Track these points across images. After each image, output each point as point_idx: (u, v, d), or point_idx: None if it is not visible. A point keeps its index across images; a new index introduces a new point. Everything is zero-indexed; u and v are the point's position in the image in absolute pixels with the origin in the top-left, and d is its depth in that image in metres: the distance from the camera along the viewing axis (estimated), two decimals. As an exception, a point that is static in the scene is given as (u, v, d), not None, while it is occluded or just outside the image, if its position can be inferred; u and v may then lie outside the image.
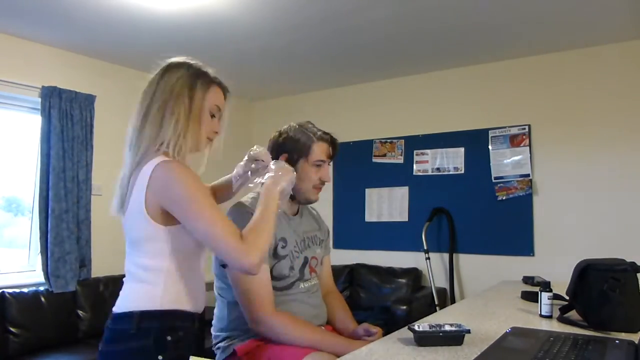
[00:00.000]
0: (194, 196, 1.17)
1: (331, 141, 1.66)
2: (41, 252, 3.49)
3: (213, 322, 1.64)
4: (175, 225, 1.22)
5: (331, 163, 1.69)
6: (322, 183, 1.65)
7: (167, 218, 1.21)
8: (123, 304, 1.25)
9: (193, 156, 1.34)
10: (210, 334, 1.65)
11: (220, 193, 1.59)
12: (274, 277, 1.54)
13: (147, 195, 1.20)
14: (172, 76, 1.33)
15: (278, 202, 1.32)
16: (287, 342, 1.45)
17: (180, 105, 1.28)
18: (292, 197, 1.63)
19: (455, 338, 1.20)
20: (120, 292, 1.28)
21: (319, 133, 1.63)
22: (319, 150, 1.62)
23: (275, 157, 1.58)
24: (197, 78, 1.32)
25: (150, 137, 1.26)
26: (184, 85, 1.30)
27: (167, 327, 1.22)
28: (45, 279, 3.45)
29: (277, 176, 1.36)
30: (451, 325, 1.24)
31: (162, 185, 1.18)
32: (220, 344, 1.60)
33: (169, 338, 1.22)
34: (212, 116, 1.35)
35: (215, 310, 1.64)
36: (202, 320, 1.44)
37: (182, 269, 1.25)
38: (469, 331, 1.22)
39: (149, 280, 1.23)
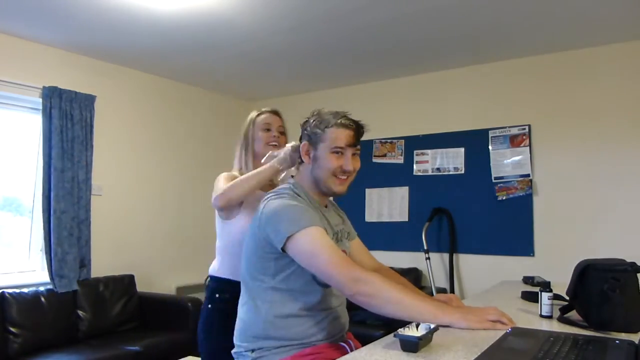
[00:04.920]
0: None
1: (355, 128, 1.56)
2: (45, 252, 3.49)
3: (238, 326, 1.54)
4: (227, 220, 1.85)
5: (357, 152, 1.59)
6: (344, 172, 1.55)
7: (226, 215, 1.85)
8: (210, 267, 1.93)
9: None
10: None
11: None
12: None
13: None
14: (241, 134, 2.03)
15: (271, 168, 1.73)
16: (388, 298, 1.34)
17: (241, 143, 2.01)
18: (317, 188, 1.58)
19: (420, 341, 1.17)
20: None
21: (338, 120, 1.54)
22: (336, 136, 1.53)
23: (301, 141, 1.62)
24: (247, 126, 2.00)
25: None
26: (243, 135, 2.01)
27: (219, 288, 1.85)
28: (45, 279, 3.45)
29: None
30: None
31: None
32: (246, 353, 1.48)
33: (217, 295, 1.84)
34: (268, 130, 1.97)
35: (243, 315, 1.53)
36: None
37: (234, 249, 1.78)
38: (436, 330, 1.22)
39: (217, 255, 1.92)
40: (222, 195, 1.72)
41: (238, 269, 1.68)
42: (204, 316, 1.88)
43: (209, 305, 1.86)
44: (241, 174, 1.87)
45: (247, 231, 1.56)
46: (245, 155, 1.97)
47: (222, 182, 1.79)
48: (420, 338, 1.15)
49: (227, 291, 1.82)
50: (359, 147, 1.59)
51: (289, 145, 1.76)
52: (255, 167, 1.89)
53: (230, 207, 1.79)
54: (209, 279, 1.92)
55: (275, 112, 2.02)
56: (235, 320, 1.59)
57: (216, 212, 1.87)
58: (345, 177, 1.56)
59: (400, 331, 1.20)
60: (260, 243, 1.47)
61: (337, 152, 1.53)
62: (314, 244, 1.38)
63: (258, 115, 2.00)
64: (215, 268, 1.89)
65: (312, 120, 1.58)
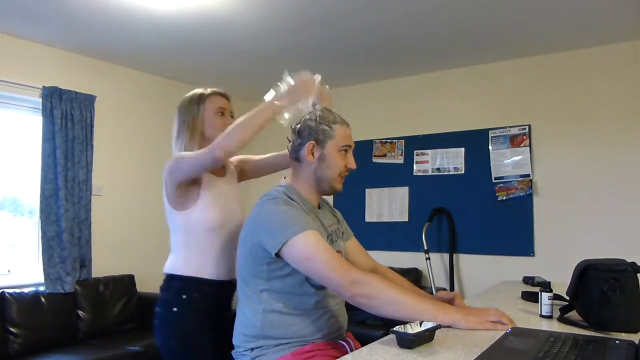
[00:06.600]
0: (175, 159, 1.66)
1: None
2: (42, 252, 3.49)
3: (236, 328, 1.54)
4: (182, 211, 1.67)
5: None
6: (348, 171, 1.58)
7: (181, 204, 1.67)
8: (167, 266, 1.72)
9: None
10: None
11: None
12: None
13: (166, 186, 1.68)
14: (180, 112, 1.80)
15: (270, 106, 1.64)
16: (387, 299, 1.34)
17: (186, 124, 1.76)
18: (317, 188, 1.58)
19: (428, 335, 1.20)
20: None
21: (338, 118, 1.58)
22: (344, 134, 1.56)
23: (302, 141, 1.56)
24: (189, 103, 1.78)
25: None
26: (186, 113, 1.78)
27: (186, 288, 1.66)
28: (45, 279, 3.45)
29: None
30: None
31: (166, 171, 1.66)
32: (246, 352, 1.49)
33: (184, 296, 1.64)
34: (222, 114, 1.79)
35: (241, 317, 1.53)
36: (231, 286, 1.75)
37: (199, 244, 1.68)
38: (440, 326, 1.22)
39: (174, 252, 1.72)
40: (218, 146, 1.53)
41: (205, 267, 1.67)
42: (170, 322, 1.65)
43: (175, 309, 1.64)
44: None
45: (242, 232, 1.55)
46: (191, 140, 1.73)
47: (189, 154, 1.62)
48: (414, 335, 1.17)
49: (195, 290, 1.66)
50: None
51: (289, 79, 1.67)
52: None
53: (224, 161, 1.68)
54: (166, 279, 1.70)
55: (226, 96, 1.85)
56: (210, 320, 1.64)
57: (165, 202, 1.69)
58: (346, 175, 1.60)
59: (401, 328, 1.20)
60: (253, 247, 1.46)
61: (344, 151, 1.56)
62: (310, 248, 1.38)
63: (208, 95, 1.79)
64: (177, 266, 1.68)
65: (314, 117, 1.57)
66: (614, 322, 1.33)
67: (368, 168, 4.59)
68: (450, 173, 4.25)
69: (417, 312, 1.31)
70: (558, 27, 3.40)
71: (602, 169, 3.64)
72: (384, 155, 4.58)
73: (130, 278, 3.92)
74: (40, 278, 3.48)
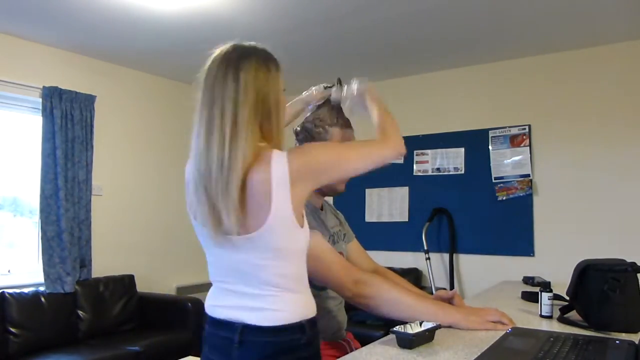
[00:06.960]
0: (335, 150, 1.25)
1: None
2: (42, 252, 3.49)
3: None
4: (304, 224, 1.17)
5: None
6: None
7: (302, 217, 1.16)
8: (287, 315, 1.13)
9: None
10: None
11: None
12: None
13: (292, 192, 1.11)
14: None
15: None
16: (388, 299, 1.34)
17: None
18: (319, 189, 1.54)
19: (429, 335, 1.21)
20: (270, 305, 1.12)
21: (340, 120, 1.61)
22: (342, 137, 1.58)
23: (303, 141, 1.57)
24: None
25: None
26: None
27: (317, 335, 1.21)
28: (45, 279, 3.45)
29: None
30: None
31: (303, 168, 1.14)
32: None
33: (318, 344, 1.23)
34: None
35: None
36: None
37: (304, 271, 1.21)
38: (439, 326, 1.22)
39: (299, 290, 1.17)
40: (396, 140, 1.40)
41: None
42: None
43: None
44: None
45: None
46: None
47: (365, 143, 1.35)
48: (414, 335, 1.17)
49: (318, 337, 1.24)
50: None
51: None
52: None
53: None
54: (307, 326, 1.14)
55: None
56: None
57: (292, 218, 1.12)
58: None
59: (401, 328, 1.21)
60: None
61: None
62: (312, 249, 1.35)
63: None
64: (312, 304, 1.19)
65: (311, 119, 1.58)
66: (614, 322, 1.33)
67: (368, 168, 4.58)
68: (450, 173, 4.25)
69: (417, 312, 1.31)
70: (558, 27, 3.40)
71: (602, 169, 3.64)
72: (384, 155, 4.58)
73: (130, 278, 3.92)
74: (40, 278, 3.48)
